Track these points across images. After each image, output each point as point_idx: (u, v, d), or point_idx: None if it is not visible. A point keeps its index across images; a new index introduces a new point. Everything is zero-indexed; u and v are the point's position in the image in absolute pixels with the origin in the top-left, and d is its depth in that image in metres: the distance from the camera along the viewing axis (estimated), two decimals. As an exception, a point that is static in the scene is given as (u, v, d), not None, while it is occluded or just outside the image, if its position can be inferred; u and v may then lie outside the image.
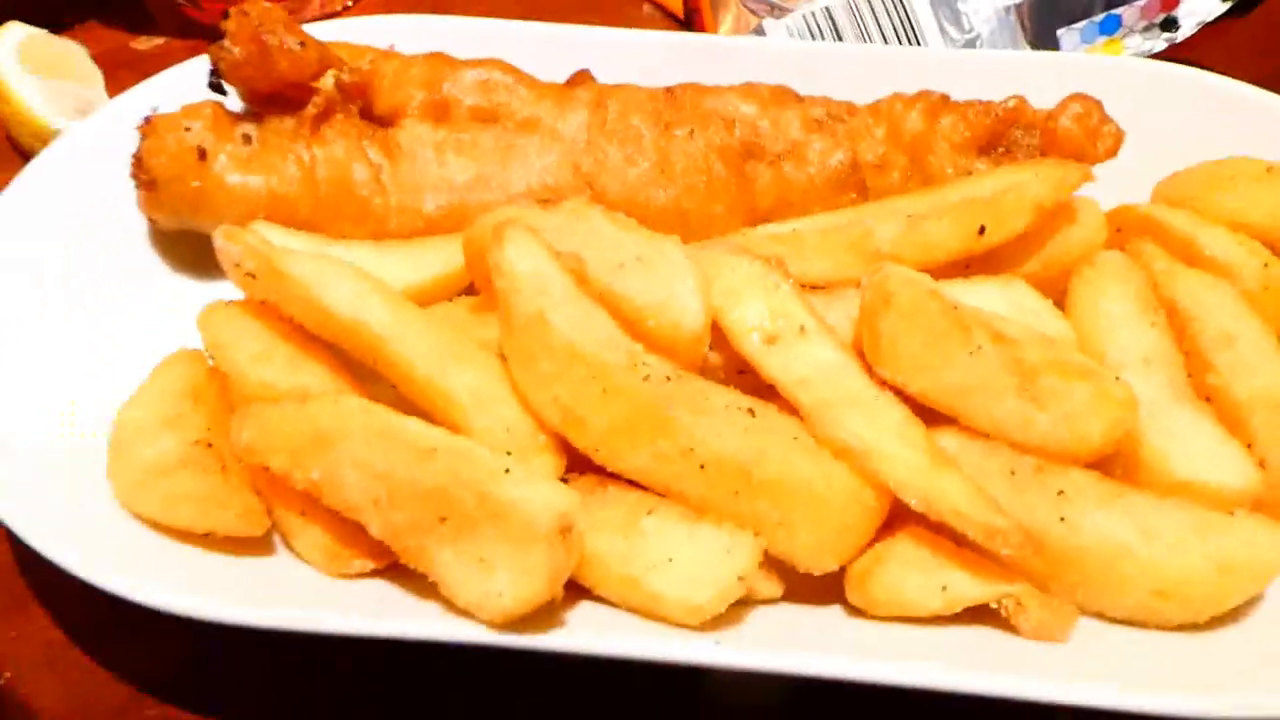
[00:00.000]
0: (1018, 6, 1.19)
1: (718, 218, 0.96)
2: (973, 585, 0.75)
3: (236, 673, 0.83)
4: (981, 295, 0.87)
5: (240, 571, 0.78)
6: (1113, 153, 0.97)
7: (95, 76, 1.23)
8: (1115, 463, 0.81)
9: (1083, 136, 0.96)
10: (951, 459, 0.77)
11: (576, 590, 0.75)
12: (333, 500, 0.75)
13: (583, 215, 0.85)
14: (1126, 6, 1.18)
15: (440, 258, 0.92)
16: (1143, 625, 0.77)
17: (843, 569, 0.77)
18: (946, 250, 0.89)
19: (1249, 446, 0.81)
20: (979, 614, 0.76)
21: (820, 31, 1.18)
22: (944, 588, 0.74)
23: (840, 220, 0.93)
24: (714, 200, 0.96)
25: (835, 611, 0.78)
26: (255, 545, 0.80)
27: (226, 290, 0.91)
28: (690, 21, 1.30)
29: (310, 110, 0.97)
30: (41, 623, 0.86)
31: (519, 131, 0.98)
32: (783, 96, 0.99)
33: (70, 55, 1.23)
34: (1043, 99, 1.01)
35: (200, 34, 1.32)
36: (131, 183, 0.99)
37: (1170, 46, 1.20)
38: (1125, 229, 0.97)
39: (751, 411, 0.77)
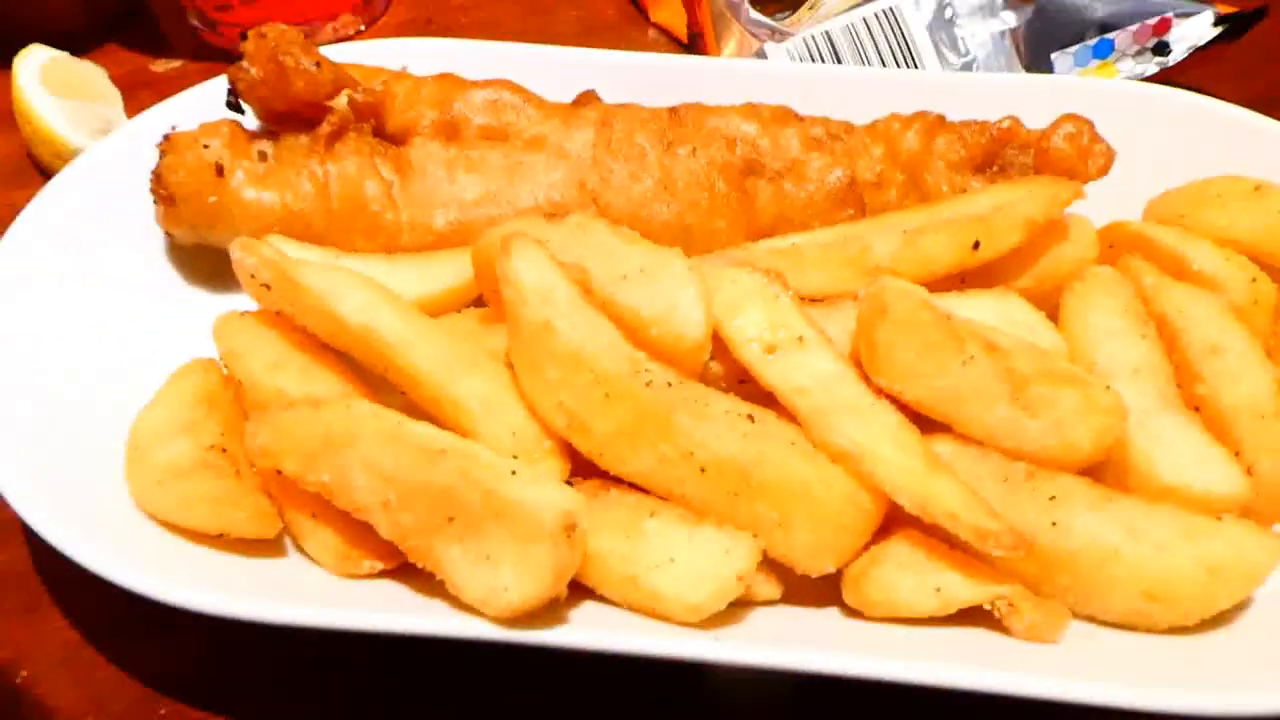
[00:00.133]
0: (1013, 31, 1.22)
1: (720, 233, 0.99)
2: (966, 587, 0.77)
3: (249, 671, 0.85)
4: (976, 308, 0.90)
5: (253, 572, 0.80)
6: (1104, 171, 0.99)
7: (115, 97, 1.26)
8: (1106, 469, 0.83)
9: (1075, 155, 0.99)
10: (945, 464, 0.79)
11: (580, 590, 0.77)
12: (343, 502, 0.78)
13: (587, 228, 0.88)
14: (1119, 31, 1.21)
15: (450, 270, 0.95)
16: (1133, 628, 0.79)
17: (840, 572, 0.80)
18: (942, 265, 0.92)
19: (1236, 454, 0.83)
20: (973, 616, 0.78)
21: (820, 55, 1.21)
22: (938, 589, 0.76)
23: (839, 235, 0.95)
24: (716, 216, 0.99)
25: (832, 613, 0.80)
26: (268, 547, 0.83)
27: (240, 302, 0.94)
28: (694, 45, 1.33)
29: (324, 128, 1.00)
30: (57, 623, 0.88)
31: (526, 149, 1.00)
32: (783, 116, 1.02)
33: (91, 77, 1.26)
34: (1037, 120, 1.04)
35: (216, 57, 1.35)
36: (149, 198, 1.02)
37: (1162, 70, 1.23)
38: (1117, 245, 0.99)
39: (751, 417, 0.79)
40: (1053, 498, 0.79)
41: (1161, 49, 1.22)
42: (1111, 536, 0.77)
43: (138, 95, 1.25)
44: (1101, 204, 1.01)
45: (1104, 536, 0.77)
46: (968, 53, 1.21)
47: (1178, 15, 1.22)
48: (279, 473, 0.81)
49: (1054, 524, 0.78)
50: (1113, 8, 1.22)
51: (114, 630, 0.87)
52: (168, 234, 1.03)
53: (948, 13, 1.21)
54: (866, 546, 0.79)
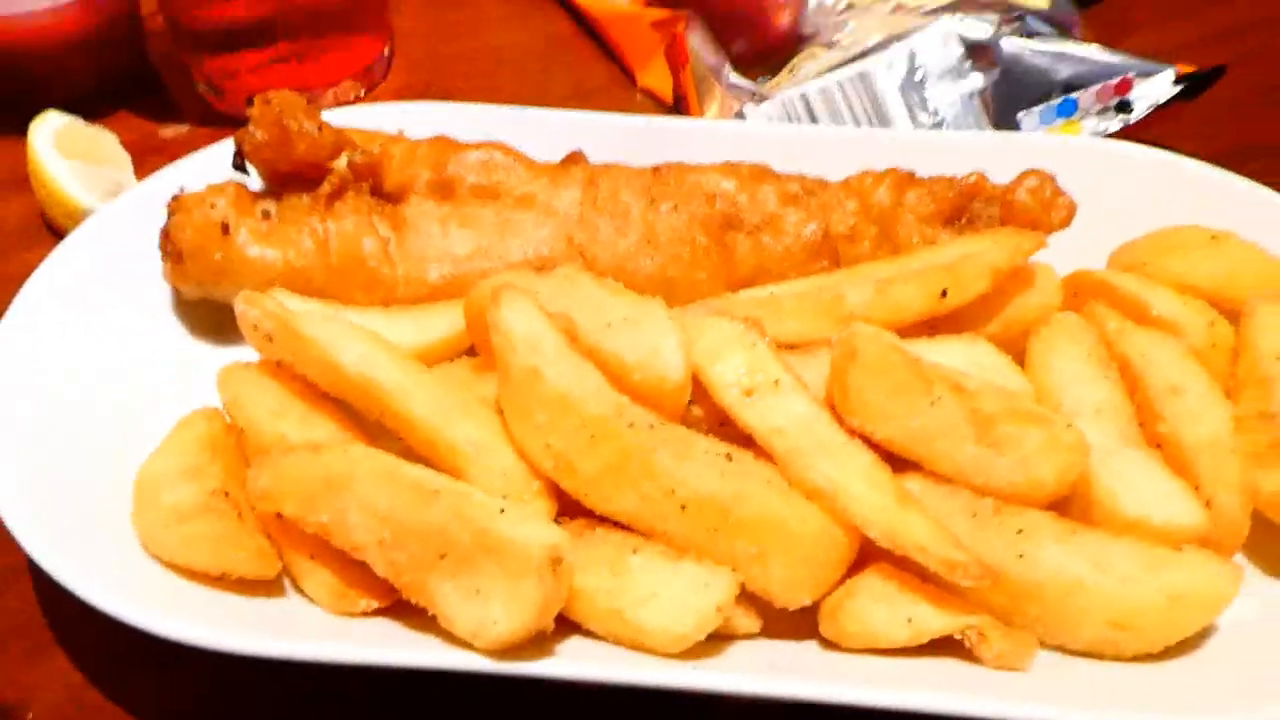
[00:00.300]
0: (980, 92, 1.28)
1: (701, 284, 1.04)
2: (937, 617, 0.80)
3: (249, 708, 0.88)
4: (946, 353, 0.94)
5: (253, 610, 0.84)
6: (1066, 222, 1.04)
7: (125, 161, 1.31)
8: (1071, 504, 0.86)
9: (1038, 208, 1.03)
10: (916, 500, 0.83)
11: (567, 625, 0.80)
12: (340, 541, 0.81)
13: (574, 280, 0.93)
14: (1082, 91, 1.27)
15: (443, 322, 0.99)
16: (1101, 657, 0.82)
17: (817, 605, 0.83)
18: (912, 312, 0.96)
19: (1196, 488, 0.87)
20: (946, 647, 0.81)
21: (797, 116, 1.27)
22: (910, 620, 0.80)
23: (814, 285, 1.00)
24: (697, 268, 1.04)
25: (810, 645, 0.83)
26: (267, 587, 0.86)
27: (243, 354, 0.98)
28: (679, 106, 1.39)
29: (325, 188, 1.05)
30: (62, 664, 0.91)
31: (517, 207, 1.05)
32: (760, 173, 1.07)
33: (102, 141, 1.32)
34: (1006, 176, 1.09)
35: (223, 122, 1.41)
36: (157, 256, 1.07)
37: (1125, 127, 1.28)
38: (1081, 292, 1.04)
39: (729, 457, 0.83)
40: (1020, 531, 0.83)
41: (1124, 107, 1.27)
42: (1077, 568, 0.81)
43: (147, 159, 1.30)
44: (1067, 254, 1.06)
45: (1070, 568, 0.81)
46: (937, 113, 1.27)
47: (1139, 75, 1.27)
48: (279, 516, 0.84)
49: (1021, 556, 0.82)
50: (1076, 69, 1.28)
51: (117, 671, 0.90)
52: (175, 289, 1.07)
53: (918, 75, 1.27)
54: (842, 580, 0.83)
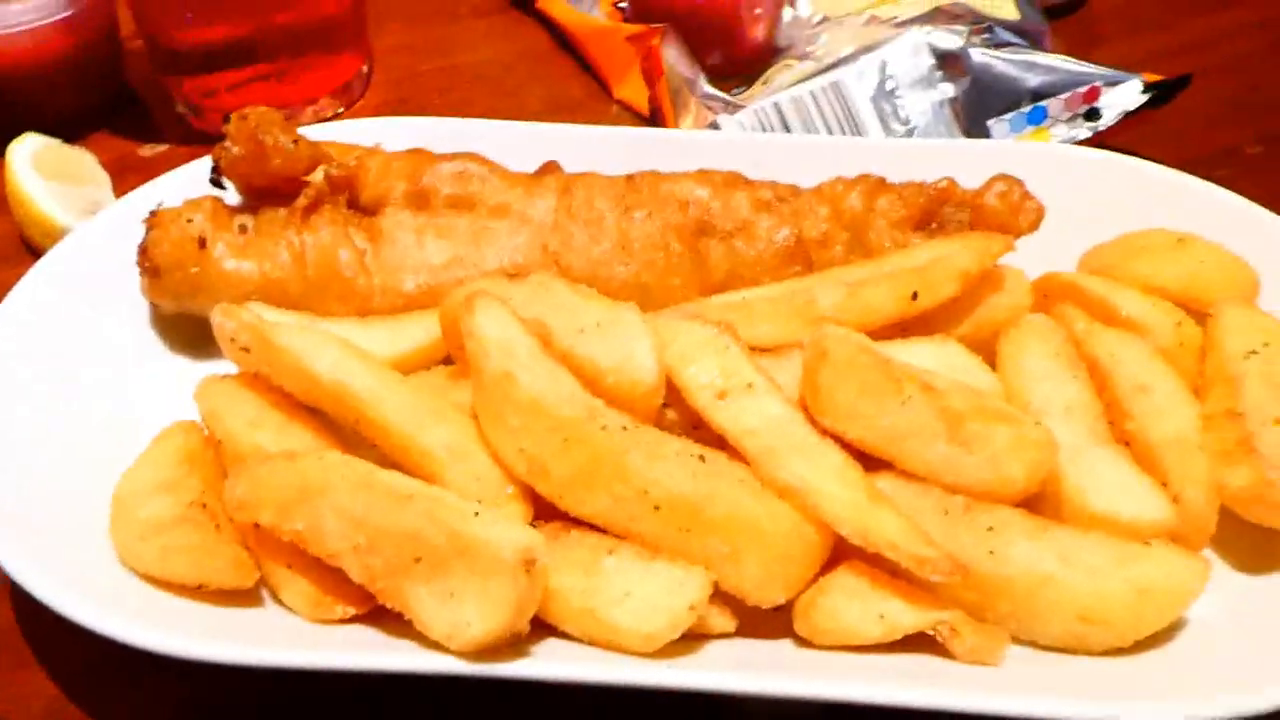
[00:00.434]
0: (951, 101, 1.30)
1: (675, 290, 1.05)
2: (909, 613, 0.81)
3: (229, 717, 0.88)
4: (917, 354, 0.95)
5: (231, 620, 0.84)
6: (1035, 226, 1.06)
7: (104, 181, 1.32)
8: (1041, 501, 0.87)
9: (1006, 212, 1.05)
10: (887, 498, 0.84)
11: (543, 628, 0.81)
12: (317, 548, 0.82)
13: (547, 286, 0.94)
14: (1052, 99, 1.29)
15: (419, 331, 1.00)
16: (1072, 651, 0.82)
17: (791, 604, 0.83)
18: (883, 315, 0.98)
19: (1163, 484, 0.88)
20: (919, 644, 0.82)
21: (770, 125, 1.28)
22: (882, 616, 0.80)
23: (786, 289, 1.01)
24: (671, 274, 1.05)
25: (784, 644, 0.83)
26: (245, 598, 0.86)
27: (220, 367, 0.99)
28: (655, 118, 1.40)
29: (301, 201, 1.06)
30: (40, 678, 0.91)
31: (491, 216, 1.07)
32: (733, 180, 1.08)
33: (80, 162, 1.33)
34: (976, 182, 1.11)
35: (201, 141, 1.42)
36: (134, 273, 1.07)
37: (1095, 134, 1.30)
38: (1050, 294, 1.05)
39: (702, 458, 0.84)
40: (990, 528, 0.84)
41: (1093, 115, 1.29)
42: (1046, 563, 0.82)
43: (126, 178, 1.30)
44: (1038, 257, 1.07)
45: (1039, 563, 0.82)
46: (909, 121, 1.29)
47: (1106, 84, 1.29)
48: (256, 526, 0.85)
49: (992, 553, 0.82)
50: (1044, 78, 1.30)
51: (95, 685, 0.90)
52: (152, 304, 1.08)
53: (889, 85, 1.29)
54: (815, 579, 0.83)
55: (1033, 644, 0.83)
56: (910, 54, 1.29)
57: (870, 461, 0.88)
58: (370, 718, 0.88)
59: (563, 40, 1.62)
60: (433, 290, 1.03)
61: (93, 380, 1.03)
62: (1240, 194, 1.13)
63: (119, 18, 1.48)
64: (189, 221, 1.04)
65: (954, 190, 1.08)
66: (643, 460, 0.82)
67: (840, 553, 0.84)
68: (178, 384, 1.02)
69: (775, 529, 0.81)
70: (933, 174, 1.11)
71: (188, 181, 1.15)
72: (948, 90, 1.30)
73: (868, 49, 1.31)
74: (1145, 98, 1.30)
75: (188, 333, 1.09)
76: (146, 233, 1.05)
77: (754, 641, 0.83)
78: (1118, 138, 1.30)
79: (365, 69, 1.54)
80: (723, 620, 0.82)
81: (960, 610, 0.82)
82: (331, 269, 1.04)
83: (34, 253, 1.24)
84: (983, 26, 1.33)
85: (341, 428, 0.93)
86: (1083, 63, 1.32)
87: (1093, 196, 1.15)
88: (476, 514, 0.78)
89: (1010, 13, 1.38)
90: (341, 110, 1.49)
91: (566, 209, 1.07)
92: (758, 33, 1.49)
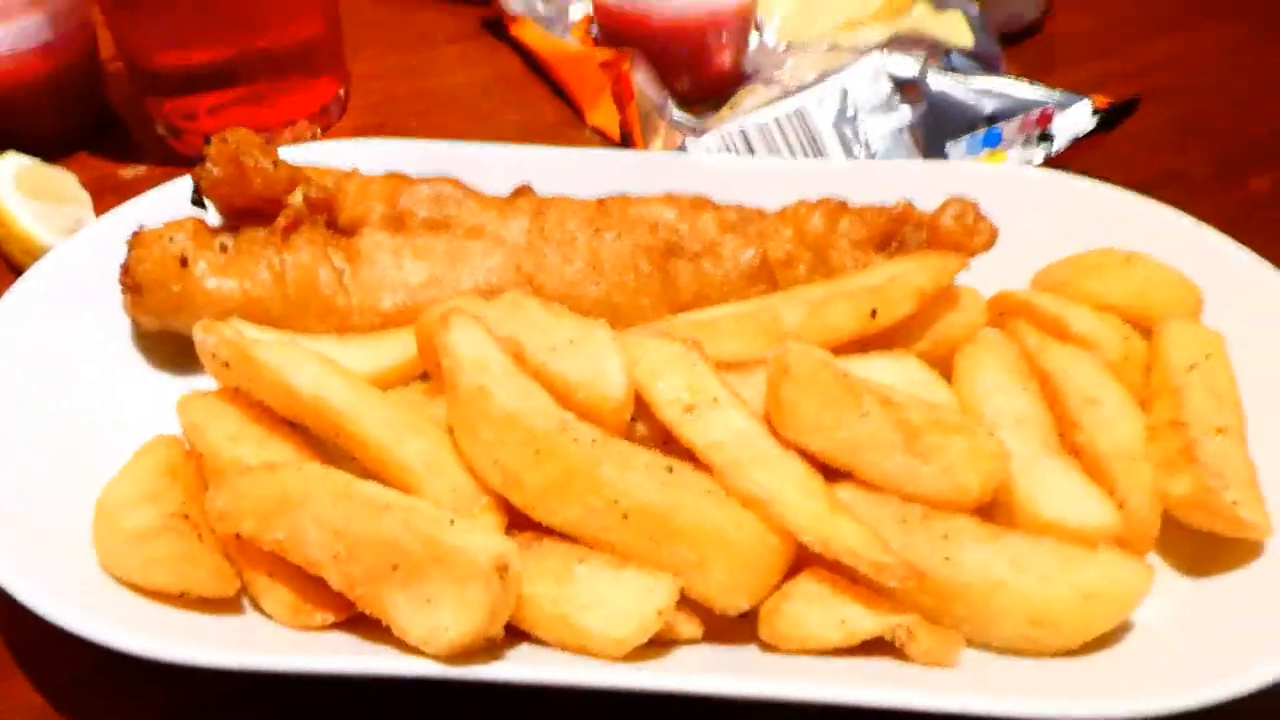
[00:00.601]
0: (910, 125, 1.34)
1: (645, 309, 1.08)
2: (868, 618, 0.84)
3: (209, 724, 0.90)
4: (877, 370, 0.99)
5: (213, 628, 0.86)
6: (988, 245, 1.10)
7: (84, 200, 1.34)
8: (995, 509, 0.91)
9: (961, 233, 1.09)
10: (847, 507, 0.88)
11: (516, 635, 0.84)
12: (297, 557, 0.84)
13: (520, 304, 0.97)
14: (1006, 123, 1.34)
15: (396, 348, 1.02)
16: (1024, 654, 0.86)
17: (756, 611, 0.87)
18: (844, 331, 1.01)
19: (1111, 492, 0.92)
20: (878, 648, 0.85)
21: (736, 149, 1.33)
22: (843, 621, 0.84)
23: (751, 307, 1.05)
24: (641, 294, 1.09)
25: (750, 649, 0.87)
26: (226, 606, 0.88)
27: (201, 384, 1.01)
28: (625, 143, 1.44)
29: (281, 222, 1.08)
30: (24, 688, 0.92)
31: (467, 237, 1.10)
32: (700, 203, 1.12)
33: (62, 182, 1.35)
34: (935, 204, 1.15)
35: (181, 162, 1.44)
36: (115, 290, 1.10)
37: (1049, 157, 1.35)
38: (1005, 312, 1.09)
39: (670, 469, 0.87)
40: (946, 535, 0.87)
41: (1046, 138, 1.34)
42: (999, 569, 0.85)
43: (106, 198, 1.32)
44: (994, 276, 1.12)
45: (992, 569, 0.85)
46: (869, 145, 1.33)
47: (1058, 108, 1.35)
48: (237, 536, 0.87)
49: (947, 559, 0.86)
50: (998, 103, 1.35)
51: (79, 693, 0.92)
52: (134, 321, 1.10)
53: (850, 110, 1.33)
54: (779, 585, 0.87)
55: (987, 647, 0.87)
56: (870, 80, 1.33)
57: (831, 472, 0.91)
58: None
59: (536, 66, 1.66)
60: (410, 309, 1.06)
61: (74, 395, 1.05)
62: (1188, 214, 1.18)
63: (100, 40, 1.51)
64: (171, 240, 1.07)
65: (911, 212, 1.12)
66: (613, 471, 0.85)
67: (802, 560, 0.87)
68: (159, 399, 1.04)
69: (740, 537, 0.84)
70: (893, 196, 1.15)
71: (167, 201, 1.17)
72: (906, 115, 1.35)
73: (830, 74, 1.36)
74: (1095, 121, 1.35)
75: (169, 350, 1.11)
76: (129, 251, 1.08)
77: (720, 647, 0.87)
78: (1071, 160, 1.35)
79: (343, 93, 1.57)
80: (690, 627, 0.85)
81: (917, 615, 0.85)
82: (311, 288, 1.06)
83: (15, 270, 1.26)
84: (939, 53, 1.38)
85: (320, 442, 0.96)
86: (1035, 88, 1.37)
87: (1046, 217, 1.20)
88: (452, 523, 0.81)
89: (966, 40, 1.44)
90: (319, 133, 1.52)
91: (539, 231, 1.10)
92: (725, 59, 1.54)
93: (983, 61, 1.42)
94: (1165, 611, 0.89)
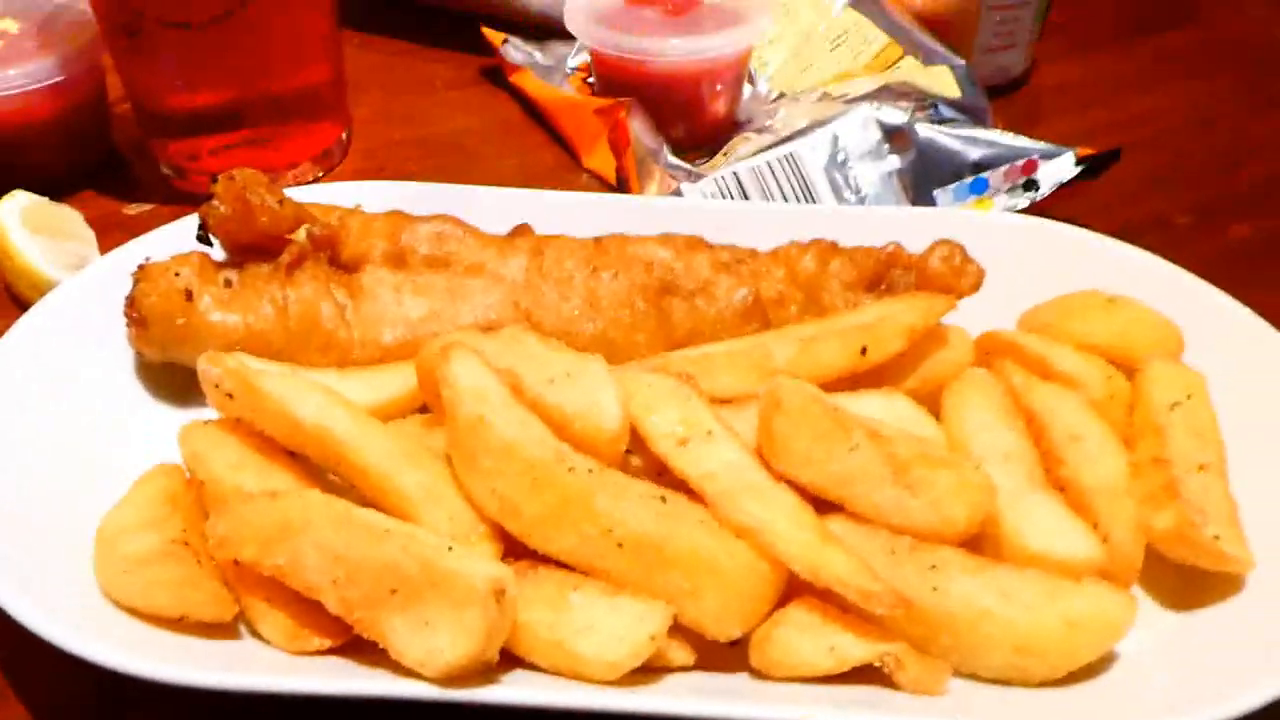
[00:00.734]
0: (899, 172, 1.38)
1: (640, 346, 1.11)
2: (857, 645, 0.85)
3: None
4: (867, 406, 1.01)
5: (211, 651, 0.87)
6: (976, 287, 1.13)
7: (89, 237, 1.36)
8: (981, 542, 0.93)
9: (949, 274, 1.12)
10: (837, 537, 0.89)
11: (511, 660, 0.85)
12: (296, 582, 0.86)
13: (519, 339, 0.99)
14: (992, 171, 1.38)
15: (396, 381, 1.05)
16: (1010, 683, 0.87)
17: (747, 639, 0.88)
18: (835, 368, 1.04)
19: (1094, 525, 0.94)
20: (867, 676, 0.86)
21: (730, 193, 1.36)
22: (832, 648, 0.85)
23: (744, 344, 1.07)
24: (636, 331, 1.11)
25: (741, 677, 0.88)
26: (224, 630, 0.89)
27: (203, 416, 1.03)
28: (621, 188, 1.47)
29: (285, 258, 1.11)
30: (20, 712, 0.93)
31: (467, 275, 1.12)
32: (695, 243, 1.15)
33: (68, 219, 1.37)
34: (922, 247, 1.18)
35: (184, 201, 1.47)
36: (119, 325, 1.12)
37: (1034, 204, 1.39)
38: (992, 351, 1.12)
39: (664, 499, 0.89)
40: (933, 566, 0.89)
41: (1031, 185, 1.38)
42: (985, 598, 0.87)
43: (111, 235, 1.35)
44: (981, 317, 1.15)
45: (978, 598, 0.87)
46: (860, 190, 1.37)
47: (1043, 157, 1.39)
48: (235, 563, 0.89)
49: (934, 589, 0.88)
50: (984, 151, 1.39)
51: (75, 718, 0.93)
52: (138, 353, 1.12)
53: (840, 156, 1.37)
54: (770, 613, 0.88)
55: (975, 676, 0.88)
56: (860, 128, 1.37)
57: (822, 505, 0.93)
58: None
59: (534, 113, 1.70)
60: (410, 344, 1.08)
61: (77, 426, 1.07)
62: (1169, 260, 1.21)
63: (108, 82, 1.54)
64: (176, 275, 1.09)
65: (901, 254, 1.15)
66: (608, 501, 0.87)
67: (793, 589, 0.89)
68: (160, 430, 1.06)
69: (732, 566, 0.86)
70: (882, 239, 1.18)
71: (171, 238, 1.20)
72: (895, 162, 1.38)
73: (821, 123, 1.40)
74: (1078, 170, 1.39)
75: (171, 382, 1.13)
76: (135, 284, 1.10)
77: (712, 674, 0.88)
78: (1054, 207, 1.39)
79: (344, 136, 1.61)
80: (682, 654, 0.87)
81: (905, 643, 0.87)
82: (313, 321, 1.09)
83: (20, 306, 1.28)
84: (927, 104, 1.43)
85: (320, 472, 0.98)
86: (1021, 138, 1.41)
87: (1030, 261, 1.23)
88: (450, 549, 0.83)
89: (953, 91, 1.48)
90: (321, 175, 1.55)
91: (538, 269, 1.13)
92: (719, 108, 1.58)
93: (969, 112, 1.46)
94: (1149, 643, 0.91)
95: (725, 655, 0.88)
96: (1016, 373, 1.08)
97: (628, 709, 0.79)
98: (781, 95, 1.59)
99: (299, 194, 1.19)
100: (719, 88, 1.55)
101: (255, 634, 0.90)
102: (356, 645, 0.86)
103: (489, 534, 0.90)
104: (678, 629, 0.86)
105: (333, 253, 1.14)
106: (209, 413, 1.01)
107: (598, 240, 1.16)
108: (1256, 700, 0.81)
